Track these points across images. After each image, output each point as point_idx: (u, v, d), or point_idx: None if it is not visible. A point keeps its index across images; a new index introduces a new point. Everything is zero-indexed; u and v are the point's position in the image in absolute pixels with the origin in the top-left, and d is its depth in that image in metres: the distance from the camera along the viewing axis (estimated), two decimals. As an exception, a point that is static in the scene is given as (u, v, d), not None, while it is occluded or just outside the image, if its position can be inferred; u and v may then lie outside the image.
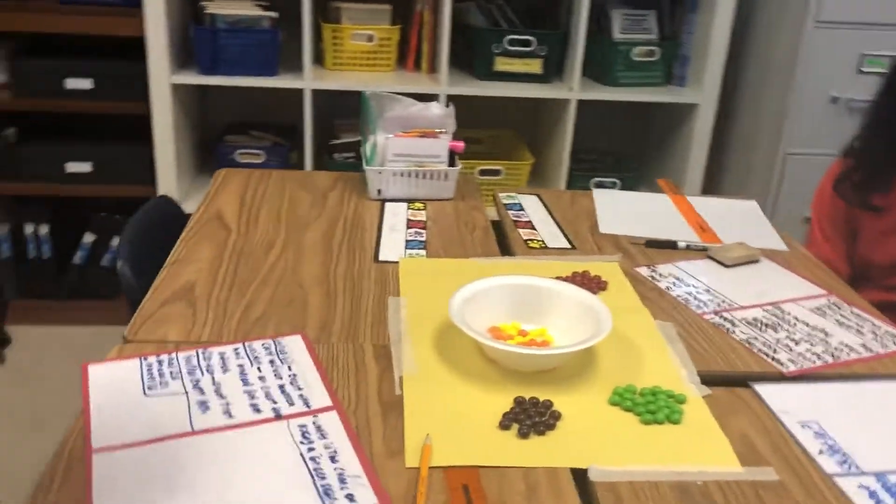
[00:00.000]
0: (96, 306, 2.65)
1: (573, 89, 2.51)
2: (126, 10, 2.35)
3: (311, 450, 0.86)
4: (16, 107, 2.47)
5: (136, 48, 2.34)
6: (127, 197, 2.44)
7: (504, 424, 0.92)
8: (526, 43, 2.51)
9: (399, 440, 0.88)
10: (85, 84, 2.47)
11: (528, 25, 2.58)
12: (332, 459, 0.85)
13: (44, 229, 2.62)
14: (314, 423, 0.91)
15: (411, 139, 1.54)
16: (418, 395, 0.97)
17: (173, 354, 1.01)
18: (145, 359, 1.00)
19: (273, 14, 2.41)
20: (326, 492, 0.80)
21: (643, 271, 1.33)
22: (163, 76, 2.37)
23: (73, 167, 2.53)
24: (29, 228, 2.62)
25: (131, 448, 0.85)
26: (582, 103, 2.52)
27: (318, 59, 2.58)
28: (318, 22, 2.50)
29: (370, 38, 2.51)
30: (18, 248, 2.63)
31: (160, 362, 1.00)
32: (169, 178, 2.47)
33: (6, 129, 2.52)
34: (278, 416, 0.91)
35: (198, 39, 2.38)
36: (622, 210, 1.60)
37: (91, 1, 2.39)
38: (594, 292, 1.18)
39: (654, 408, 0.95)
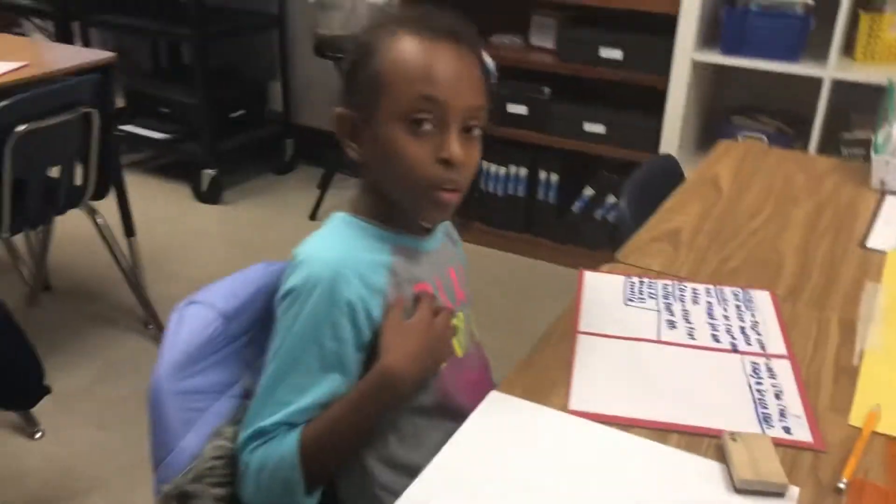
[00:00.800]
0: (581, 253, 2.97)
1: None
2: (666, -11, 2.55)
3: (758, 383, 0.95)
4: (556, 69, 2.86)
5: (664, 24, 2.53)
6: (629, 161, 2.67)
7: (965, 420, 0.90)
8: None
9: (846, 401, 0.92)
10: (616, 54, 2.74)
11: None
12: (777, 397, 0.93)
13: (554, 177, 3.00)
14: (766, 364, 0.99)
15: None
16: (876, 369, 0.98)
17: (654, 280, 1.17)
18: (629, 277, 1.18)
19: (810, 1, 2.40)
20: (765, 418, 0.89)
21: None
22: (686, 53, 2.52)
23: (590, 127, 2.85)
24: (542, 175, 3.02)
25: (608, 338, 1.03)
26: None
27: (847, 49, 2.50)
28: (856, 11, 2.41)
29: (911, 32, 2.35)
30: (531, 189, 3.06)
31: (641, 283, 1.16)
32: (671, 148, 2.64)
33: (543, 88, 2.93)
34: (734, 350, 1.02)
35: (727, 20, 2.48)
36: None
37: (637, -21, 2.64)
38: None
39: None
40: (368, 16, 1.01)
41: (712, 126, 2.83)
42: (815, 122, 2.44)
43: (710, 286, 1.16)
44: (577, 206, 3.02)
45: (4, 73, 2.04)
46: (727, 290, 1.15)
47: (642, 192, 1.55)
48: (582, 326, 1.05)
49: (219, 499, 0.90)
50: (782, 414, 0.89)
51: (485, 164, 3.07)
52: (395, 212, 0.98)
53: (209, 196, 3.36)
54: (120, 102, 3.56)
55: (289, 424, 0.90)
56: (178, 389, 0.92)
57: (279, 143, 3.67)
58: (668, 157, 1.77)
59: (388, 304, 0.93)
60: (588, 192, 2.99)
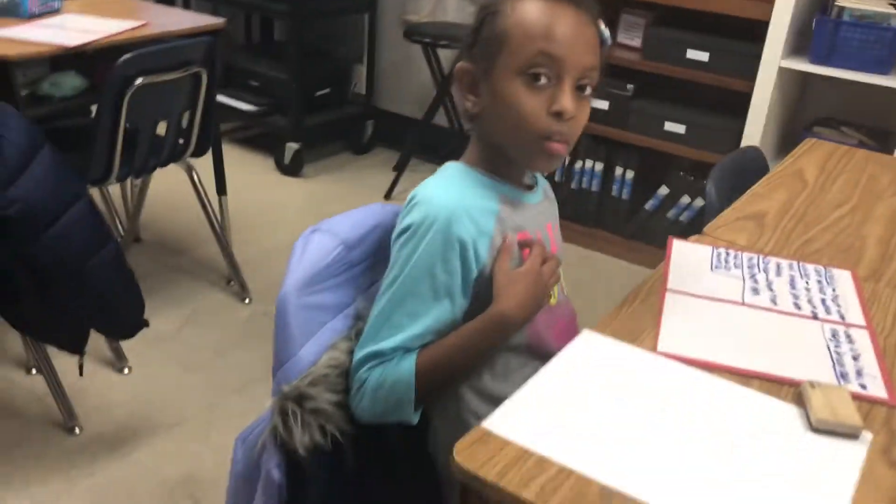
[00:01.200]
0: (648, 250, 3.01)
1: None
2: (759, -5, 2.59)
3: (837, 346, 1.01)
4: (641, 67, 2.91)
5: (752, 30, 2.57)
6: (707, 162, 2.71)
7: None
8: None
9: (921, 369, 0.98)
10: (702, 56, 2.79)
11: None
12: (855, 359, 0.99)
13: (630, 174, 3.06)
14: (845, 332, 1.04)
15: None
16: (953, 347, 1.03)
17: (739, 252, 1.23)
18: (716, 248, 1.24)
19: (902, 14, 2.42)
20: (843, 375, 0.95)
21: None
22: (774, 60, 2.56)
23: (670, 126, 2.89)
24: (619, 170, 3.08)
25: (695, 297, 1.10)
26: None
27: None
28: (949, 29, 2.42)
29: None
30: (606, 184, 3.11)
31: (728, 254, 1.23)
32: (749, 152, 2.67)
33: (627, 85, 2.98)
34: (815, 317, 1.08)
35: (818, 29, 2.50)
36: None
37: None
38: None
39: None
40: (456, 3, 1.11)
41: (793, 134, 2.85)
42: (899, 135, 2.45)
43: (794, 262, 1.22)
44: (650, 205, 3.06)
45: (126, 31, 2.18)
46: (810, 267, 1.20)
47: (729, 178, 1.60)
48: (670, 285, 1.12)
49: (331, 403, 1.00)
50: (859, 373, 0.95)
51: (561, 156, 3.13)
52: (504, 163, 1.06)
53: (291, 168, 3.50)
54: (214, 73, 3.72)
55: (405, 349, 0.99)
56: (302, 304, 1.02)
57: (360, 123, 3.79)
58: (755, 149, 1.82)
59: (494, 247, 1.01)
60: (663, 191, 3.03)
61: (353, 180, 3.55)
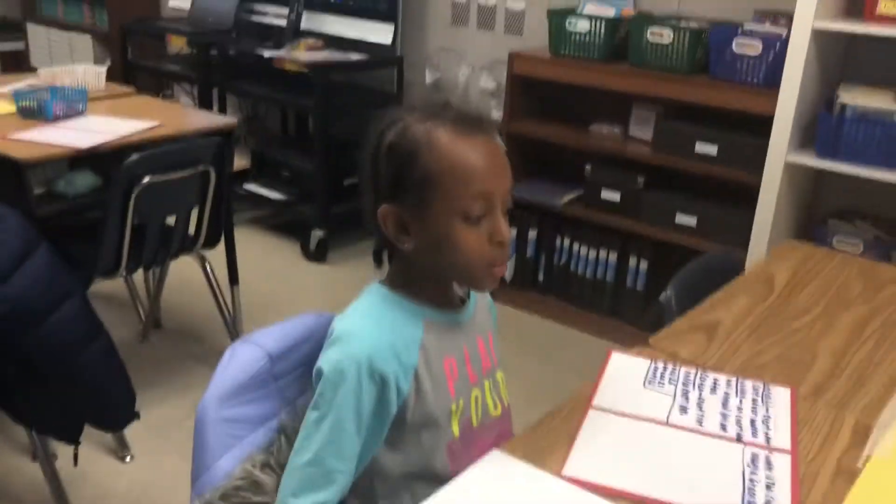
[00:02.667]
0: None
1: None
2: (764, 90, 2.60)
3: (753, 473, 0.99)
4: (651, 160, 2.93)
5: (759, 123, 2.57)
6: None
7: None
8: None
9: (838, 502, 0.94)
10: (711, 150, 2.79)
11: None
12: (768, 488, 0.96)
13: (644, 264, 3.04)
14: (767, 457, 1.02)
15: None
16: (879, 477, 1.00)
17: (678, 366, 1.22)
18: (654, 362, 1.23)
19: (908, 110, 2.39)
20: (748, 504, 0.92)
21: None
22: (780, 154, 2.54)
23: (681, 219, 2.89)
24: (633, 261, 3.07)
25: (617, 415, 1.10)
26: None
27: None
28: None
29: None
30: (620, 275, 3.10)
31: (665, 368, 1.22)
32: (759, 246, 2.64)
33: (638, 177, 2.99)
34: (739, 439, 1.05)
35: (822, 125, 2.49)
36: None
37: (738, 80, 2.70)
38: None
39: None
40: (397, 113, 1.11)
41: (807, 227, 2.81)
42: (911, 230, 2.39)
43: (732, 377, 1.20)
44: (664, 297, 3.03)
45: (137, 132, 2.31)
46: (748, 383, 1.18)
47: (692, 284, 1.59)
48: (595, 402, 1.12)
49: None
50: (767, 503, 0.93)
51: (575, 245, 3.14)
52: (432, 286, 1.07)
53: (316, 255, 3.58)
54: (246, 163, 3.88)
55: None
56: (222, 417, 1.05)
57: (386, 211, 3.87)
58: (729, 254, 1.80)
59: (418, 378, 1.02)
60: (676, 282, 3.00)
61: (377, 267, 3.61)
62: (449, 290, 1.10)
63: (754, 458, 1.01)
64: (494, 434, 1.13)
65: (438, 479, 1.04)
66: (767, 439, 1.05)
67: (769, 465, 1.00)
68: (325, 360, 1.01)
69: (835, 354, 1.29)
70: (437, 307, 1.08)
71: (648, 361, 1.23)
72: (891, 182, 2.40)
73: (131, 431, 2.27)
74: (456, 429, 1.06)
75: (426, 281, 1.07)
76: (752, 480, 0.97)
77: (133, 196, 2.12)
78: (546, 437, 1.04)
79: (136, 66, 4.14)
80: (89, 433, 2.22)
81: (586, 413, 1.09)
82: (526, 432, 1.05)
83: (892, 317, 1.45)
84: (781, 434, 1.06)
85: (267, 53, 3.52)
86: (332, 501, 0.99)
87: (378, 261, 1.13)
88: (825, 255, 1.73)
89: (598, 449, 1.02)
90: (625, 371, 1.21)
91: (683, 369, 1.21)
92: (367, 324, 1.03)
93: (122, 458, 2.25)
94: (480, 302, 1.17)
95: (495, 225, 1.01)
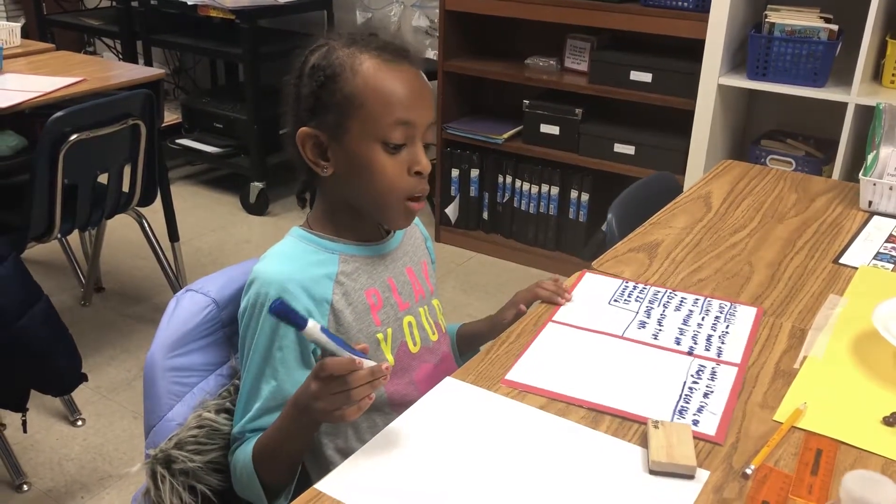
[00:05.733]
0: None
1: None
2: (695, 15, 2.61)
3: (695, 382, 1.02)
4: (588, 91, 2.93)
5: (691, 49, 2.59)
6: (657, 181, 2.72)
7: (889, 421, 0.95)
8: None
9: (777, 399, 0.98)
10: (646, 77, 2.81)
11: None
12: (705, 395, 0.99)
13: (585, 196, 3.07)
14: (713, 368, 1.05)
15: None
16: (814, 374, 1.04)
17: (648, 285, 1.24)
18: (626, 281, 1.26)
19: (833, 27, 2.43)
20: (681, 411, 0.96)
21: None
22: (712, 77, 2.57)
23: (620, 148, 2.91)
24: (574, 194, 3.09)
25: (574, 328, 1.13)
26: None
27: (876, 75, 2.52)
28: (884, 38, 2.43)
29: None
30: (562, 209, 3.13)
31: (634, 287, 1.24)
32: (696, 170, 2.68)
33: (576, 109, 3.00)
34: (690, 353, 1.08)
35: (752, 46, 2.52)
36: None
37: (669, 6, 2.70)
38: None
39: None
40: (321, 37, 1.09)
41: (742, 149, 2.86)
42: (840, 146, 2.46)
43: (702, 297, 1.22)
44: (606, 226, 3.07)
45: (62, 87, 2.22)
46: (715, 302, 1.21)
47: (634, 207, 1.61)
48: (556, 317, 1.14)
49: (199, 463, 1.01)
50: (700, 410, 0.96)
51: (518, 182, 3.15)
52: (350, 220, 1.07)
53: (256, 208, 3.53)
54: (178, 118, 3.77)
55: (253, 430, 1.00)
56: (170, 366, 1.04)
57: (326, 158, 3.82)
58: (667, 175, 1.83)
59: (335, 311, 1.02)
60: (617, 211, 3.04)
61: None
62: (368, 223, 1.09)
63: (700, 370, 1.04)
64: (437, 358, 1.14)
65: (385, 407, 1.06)
66: (719, 353, 1.08)
67: (714, 376, 1.03)
68: (243, 300, 1.02)
69: (770, 266, 1.33)
70: (357, 241, 1.08)
71: (620, 281, 1.25)
72: (818, 99, 2.46)
73: (81, 396, 2.24)
74: (389, 356, 1.07)
75: (343, 213, 1.06)
76: (691, 389, 1.00)
77: (61, 155, 2.05)
78: (504, 357, 1.06)
79: (52, 22, 3.97)
80: (39, 401, 2.20)
81: (544, 326, 1.11)
82: (479, 354, 1.07)
83: (825, 226, 1.49)
84: (734, 349, 1.09)
85: (190, 1, 3.40)
86: (239, 436, 1.01)
87: (302, 203, 1.12)
88: (759, 171, 1.77)
89: (544, 359, 1.04)
90: (593, 290, 1.23)
91: (653, 288, 1.24)
92: (277, 265, 1.03)
93: (74, 423, 2.22)
94: (411, 233, 1.17)
95: (415, 155, 1.01)
